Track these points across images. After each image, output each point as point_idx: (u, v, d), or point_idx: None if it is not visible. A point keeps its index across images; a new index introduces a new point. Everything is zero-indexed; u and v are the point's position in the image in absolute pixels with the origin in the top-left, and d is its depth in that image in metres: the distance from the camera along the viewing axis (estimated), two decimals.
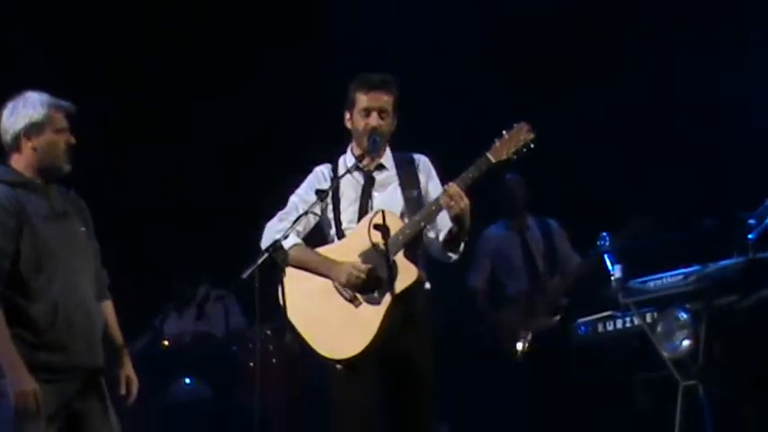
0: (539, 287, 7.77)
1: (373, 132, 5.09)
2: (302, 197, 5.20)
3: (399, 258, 4.96)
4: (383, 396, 4.96)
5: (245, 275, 4.58)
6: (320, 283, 5.04)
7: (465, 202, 4.88)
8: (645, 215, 6.98)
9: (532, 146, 5.05)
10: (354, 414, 4.90)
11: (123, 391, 4.88)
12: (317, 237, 5.24)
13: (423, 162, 5.25)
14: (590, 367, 6.65)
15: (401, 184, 5.17)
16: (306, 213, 5.01)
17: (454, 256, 5.10)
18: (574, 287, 7.62)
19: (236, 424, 7.35)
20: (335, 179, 5.16)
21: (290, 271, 4.92)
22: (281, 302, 4.82)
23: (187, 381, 7.86)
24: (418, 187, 5.17)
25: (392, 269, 4.90)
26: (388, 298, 4.89)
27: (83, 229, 4.82)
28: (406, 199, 5.13)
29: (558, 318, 7.55)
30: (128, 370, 4.91)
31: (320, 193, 5.00)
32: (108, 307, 4.95)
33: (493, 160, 5.00)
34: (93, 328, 4.72)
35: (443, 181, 5.07)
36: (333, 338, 4.94)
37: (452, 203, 4.87)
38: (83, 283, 4.71)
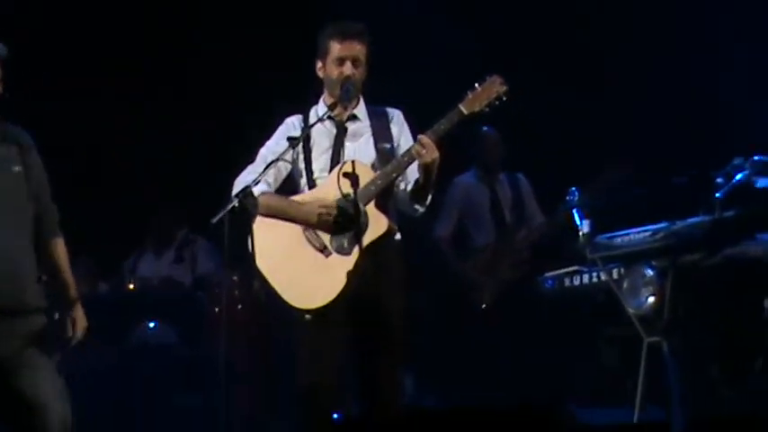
0: (505, 239, 7.79)
1: (346, 81, 5.06)
2: (272, 149, 5.17)
3: (370, 209, 4.95)
4: (352, 345, 4.97)
5: (214, 220, 4.56)
6: (290, 232, 5.02)
7: (436, 154, 4.88)
8: (615, 169, 7.00)
9: (505, 98, 5.04)
10: (322, 362, 4.90)
11: (69, 333, 4.84)
12: (287, 189, 5.22)
13: (396, 115, 5.23)
14: (555, 321, 6.70)
15: (374, 136, 5.15)
16: (277, 160, 4.97)
17: (421, 209, 5.09)
18: (539, 241, 7.65)
19: (200, 369, 7.35)
20: (307, 128, 5.12)
21: (259, 219, 4.90)
22: (250, 250, 4.81)
23: (151, 325, 7.82)
24: (391, 140, 5.14)
25: (362, 219, 4.88)
26: (357, 248, 4.88)
27: (17, 168, 4.75)
28: (379, 150, 5.11)
29: (522, 270, 7.57)
30: (75, 312, 4.89)
31: (292, 140, 4.96)
32: (56, 246, 4.89)
33: (465, 112, 4.99)
34: (17, 270, 4.68)
35: (415, 133, 5.05)
36: (302, 288, 4.93)
37: (423, 153, 4.86)
38: (4, 228, 4.66)
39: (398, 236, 5.12)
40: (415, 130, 5.09)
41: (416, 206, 5.08)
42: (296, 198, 5.12)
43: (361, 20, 5.19)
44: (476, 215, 7.89)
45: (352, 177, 4.86)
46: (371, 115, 5.20)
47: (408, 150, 4.97)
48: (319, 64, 5.18)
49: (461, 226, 7.92)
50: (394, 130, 5.18)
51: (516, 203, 7.91)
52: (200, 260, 8.25)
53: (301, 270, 4.96)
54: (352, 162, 4.90)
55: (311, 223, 4.98)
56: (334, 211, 4.94)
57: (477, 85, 5.05)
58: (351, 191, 4.86)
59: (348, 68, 5.08)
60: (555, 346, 6.84)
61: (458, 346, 7.57)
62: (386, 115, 5.22)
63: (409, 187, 5.05)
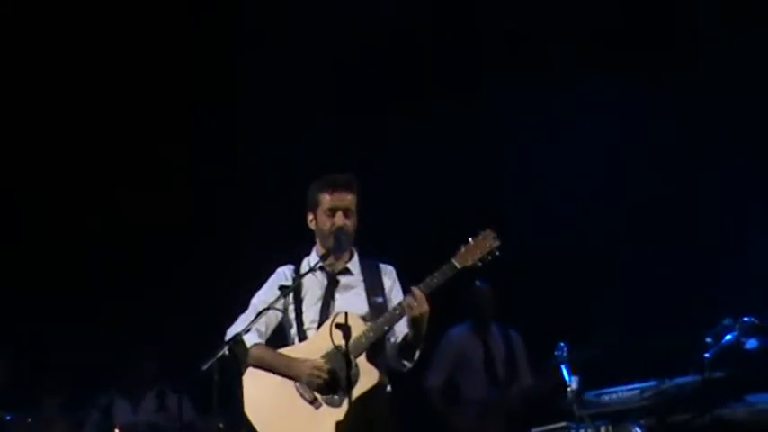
0: (497, 394, 7.77)
1: (339, 231, 5.11)
2: (262, 298, 5.19)
3: (362, 361, 4.95)
4: None
5: (204, 367, 4.56)
6: (280, 383, 5.01)
7: (425, 307, 4.91)
8: (601, 337, 7.00)
9: (498, 253, 5.08)
10: None
11: None
12: (277, 339, 5.22)
13: (389, 270, 5.27)
14: None
15: (366, 289, 5.17)
16: (267, 309, 4.99)
17: (408, 365, 5.09)
18: (530, 399, 7.63)
19: None
20: (299, 277, 5.15)
21: (249, 371, 4.91)
22: (240, 399, 4.79)
23: None
24: (383, 294, 5.17)
25: (353, 371, 4.87)
26: (347, 401, 4.86)
27: None
28: (371, 304, 5.13)
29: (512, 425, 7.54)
30: None
31: (283, 289, 5.01)
32: None
33: (458, 266, 5.03)
34: None
35: (407, 287, 5.08)
36: None
37: (414, 305, 4.88)
38: None
39: (389, 388, 5.12)
40: (407, 284, 5.12)
41: (404, 362, 5.08)
42: (287, 352, 5.11)
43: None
44: (468, 368, 7.88)
45: (345, 329, 4.86)
46: (364, 269, 5.24)
47: (399, 303, 5.00)
48: (310, 216, 5.24)
49: (452, 378, 7.91)
50: (386, 284, 5.21)
51: (509, 359, 7.92)
52: (184, 408, 8.17)
53: (291, 422, 4.94)
54: (345, 314, 4.90)
55: (302, 382, 4.98)
56: (325, 375, 4.93)
57: (470, 239, 5.10)
58: (342, 343, 4.86)
59: (340, 219, 5.14)
60: None
61: None
62: (378, 269, 5.25)
63: (398, 341, 5.06)
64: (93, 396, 8.21)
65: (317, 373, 4.93)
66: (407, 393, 5.63)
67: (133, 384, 8.31)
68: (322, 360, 4.97)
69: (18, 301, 8.14)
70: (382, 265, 5.28)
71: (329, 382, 4.93)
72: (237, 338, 4.78)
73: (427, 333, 4.99)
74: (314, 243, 5.28)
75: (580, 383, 6.02)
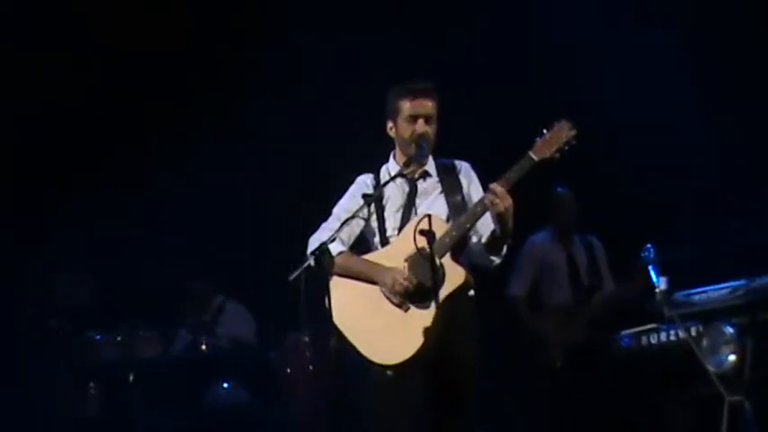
0: (581, 302, 7.73)
1: (420, 138, 5.08)
2: (344, 207, 5.20)
3: (447, 261, 4.93)
4: (427, 402, 4.94)
5: (291, 277, 4.57)
6: (368, 289, 5.01)
7: (509, 201, 4.85)
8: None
9: (575, 143, 4.99)
10: (399, 419, 4.88)
11: None
12: (359, 248, 5.23)
13: (464, 168, 5.24)
14: (630, 381, 6.59)
15: (444, 191, 5.16)
16: (353, 217, 5.00)
17: (497, 260, 5.06)
18: (614, 306, 7.58)
19: (274, 429, 7.34)
20: (380, 186, 5.14)
21: (335, 279, 4.92)
22: (327, 308, 4.81)
23: (225, 385, 7.84)
24: (461, 192, 5.15)
25: (439, 272, 4.85)
26: (435, 302, 4.85)
27: None
28: (450, 204, 5.11)
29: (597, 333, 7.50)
30: None
31: (367, 197, 5.00)
32: None
33: (536, 159, 4.95)
34: None
35: (486, 183, 5.03)
36: (383, 344, 4.92)
37: (497, 201, 4.83)
38: None
39: (472, 292, 5.10)
40: (486, 180, 5.07)
41: (492, 257, 5.05)
42: (373, 258, 5.11)
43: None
44: (552, 276, 7.82)
45: (428, 233, 4.84)
46: (440, 170, 5.22)
47: (481, 200, 4.95)
48: (390, 124, 5.20)
49: (535, 285, 7.87)
50: (463, 182, 5.18)
51: (591, 267, 7.85)
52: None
53: (380, 326, 4.95)
54: (428, 216, 4.88)
55: (387, 289, 4.97)
56: (408, 284, 4.93)
57: (545, 130, 5.01)
58: (426, 246, 4.84)
59: (421, 126, 5.10)
60: (628, 407, 6.71)
61: (531, 405, 7.48)
62: (454, 168, 5.22)
63: (484, 239, 5.02)
64: (176, 316, 8.35)
65: (400, 280, 4.93)
66: (491, 299, 5.65)
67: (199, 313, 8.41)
68: (405, 267, 4.96)
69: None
70: (457, 163, 5.24)
71: (414, 289, 4.92)
72: (323, 248, 4.77)
73: (513, 227, 4.93)
74: (392, 149, 5.25)
75: (669, 284, 5.95)
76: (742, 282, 5.81)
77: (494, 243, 4.99)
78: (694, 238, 6.81)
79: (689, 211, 7.43)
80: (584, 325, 7.63)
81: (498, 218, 4.89)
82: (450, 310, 4.90)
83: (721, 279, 5.89)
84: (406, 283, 4.92)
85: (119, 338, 7.88)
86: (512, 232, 4.96)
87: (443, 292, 4.87)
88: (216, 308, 8.35)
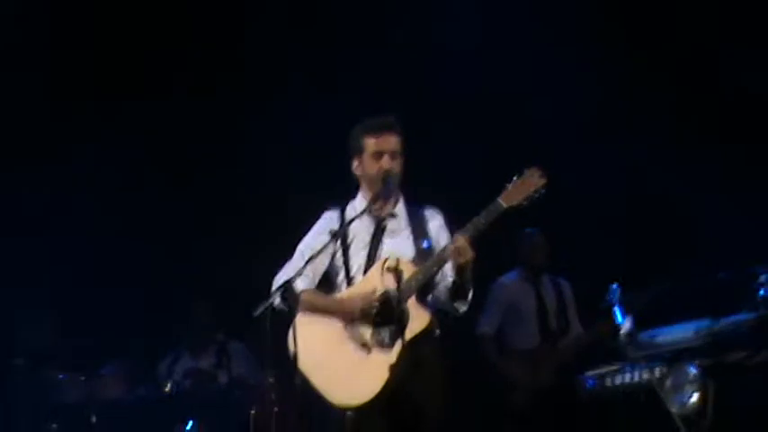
0: (549, 343, 7.73)
1: (387, 174, 5.09)
2: (309, 245, 5.18)
3: (411, 303, 4.93)
4: None
5: (256, 314, 4.55)
6: (331, 329, 5.01)
7: (470, 255, 4.86)
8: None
9: (544, 191, 5.02)
10: None
11: None
12: (323, 287, 5.22)
13: (434, 213, 5.24)
14: (595, 422, 6.59)
15: (413, 234, 5.15)
16: (319, 252, 4.98)
17: (463, 308, 5.07)
18: (582, 348, 7.59)
19: None
20: (346, 224, 5.13)
21: (300, 317, 4.90)
22: (293, 346, 4.78)
23: (188, 426, 7.76)
24: (429, 237, 5.15)
25: (404, 314, 4.85)
26: (399, 343, 4.85)
27: None
28: (418, 248, 5.11)
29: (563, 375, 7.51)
30: None
31: (334, 233, 4.99)
32: None
33: (505, 205, 4.97)
34: None
35: (455, 225, 5.04)
36: (344, 386, 4.91)
37: (458, 255, 4.85)
38: None
39: (438, 332, 5.09)
40: (454, 224, 5.08)
41: (457, 305, 5.05)
42: (337, 295, 5.10)
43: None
44: (519, 318, 7.84)
45: (395, 272, 4.84)
46: (410, 213, 5.21)
47: (446, 247, 4.95)
48: (355, 162, 5.20)
49: (502, 326, 7.87)
50: (432, 227, 5.18)
51: (560, 309, 7.88)
52: (234, 363, 8.20)
53: (343, 367, 4.94)
54: (397, 259, 4.89)
55: (354, 317, 4.96)
56: (377, 304, 4.92)
57: (515, 177, 5.03)
58: (393, 286, 4.84)
59: (387, 162, 5.11)
60: None
61: None
62: (424, 213, 5.22)
63: (449, 284, 5.02)
64: (155, 353, 8.29)
65: (369, 304, 4.92)
66: (457, 340, 5.65)
67: (200, 345, 8.35)
68: (374, 292, 4.95)
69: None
70: (428, 209, 5.24)
71: (382, 312, 4.90)
72: (288, 286, 4.76)
73: (474, 276, 4.95)
74: (358, 188, 5.25)
75: (633, 325, 5.97)
76: (706, 322, 5.82)
77: (456, 291, 5.01)
78: (659, 279, 6.82)
79: (653, 252, 7.45)
80: (551, 369, 7.63)
81: (458, 269, 4.91)
82: (414, 352, 4.89)
83: (685, 319, 5.90)
84: (376, 303, 4.92)
85: (82, 378, 7.81)
86: (471, 282, 4.98)
87: (407, 334, 4.86)
88: (219, 346, 8.29)
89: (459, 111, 8.17)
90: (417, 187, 5.24)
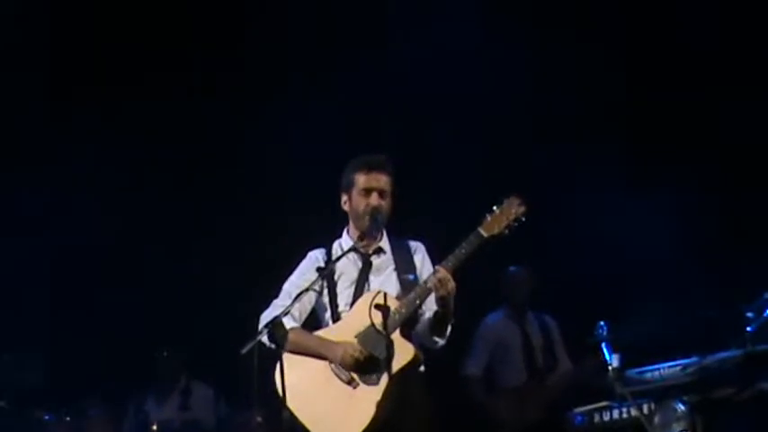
0: (536, 382, 7.73)
1: (374, 212, 5.09)
2: (296, 283, 5.18)
3: (396, 337, 4.91)
4: None
5: (243, 351, 4.54)
6: (317, 366, 5.00)
7: (451, 286, 4.87)
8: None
9: (524, 219, 5.03)
10: None
11: None
12: (309, 324, 5.22)
13: (419, 248, 5.25)
14: None
15: (397, 269, 5.16)
16: (307, 290, 4.98)
17: (441, 341, 5.07)
18: (570, 385, 7.58)
19: None
20: (333, 261, 5.13)
21: (286, 355, 4.89)
22: (280, 384, 4.77)
23: None
24: (414, 272, 5.16)
25: (390, 348, 4.85)
26: (386, 377, 4.84)
27: None
28: (402, 283, 5.12)
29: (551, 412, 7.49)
30: None
31: (321, 271, 4.99)
32: None
33: (485, 235, 4.98)
34: None
35: (437, 256, 5.05)
36: (331, 422, 4.90)
37: (439, 286, 4.85)
38: None
39: (422, 368, 5.08)
40: (439, 254, 5.08)
41: (435, 338, 5.05)
42: (324, 334, 5.10)
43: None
44: (506, 356, 7.82)
45: (383, 308, 4.84)
46: (395, 247, 5.22)
47: (428, 280, 4.96)
48: (344, 197, 5.22)
49: (489, 365, 7.86)
50: (417, 261, 5.19)
51: (546, 346, 7.87)
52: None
53: (330, 404, 4.92)
54: (384, 294, 4.87)
55: (337, 363, 4.97)
56: (359, 355, 4.92)
57: (495, 207, 5.04)
58: (380, 321, 4.84)
59: (375, 199, 5.12)
60: None
61: None
62: (408, 248, 5.23)
63: (430, 316, 5.02)
64: (130, 393, 8.23)
65: (350, 352, 4.92)
66: (443, 380, 5.65)
67: (161, 381, 8.30)
68: (357, 341, 4.95)
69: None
70: (411, 243, 5.26)
71: (364, 361, 4.91)
72: (276, 321, 4.76)
73: (456, 309, 4.95)
74: (345, 225, 5.27)
75: (621, 362, 5.97)
76: (693, 359, 5.83)
77: (436, 324, 5.01)
78: (646, 316, 6.84)
79: (641, 289, 7.45)
80: (539, 405, 7.62)
81: (440, 300, 4.91)
82: (400, 387, 4.88)
83: (673, 356, 5.91)
84: (356, 355, 4.91)
85: (68, 419, 7.77)
86: (452, 315, 4.98)
87: (393, 368, 4.83)
88: (183, 387, 8.24)
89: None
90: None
